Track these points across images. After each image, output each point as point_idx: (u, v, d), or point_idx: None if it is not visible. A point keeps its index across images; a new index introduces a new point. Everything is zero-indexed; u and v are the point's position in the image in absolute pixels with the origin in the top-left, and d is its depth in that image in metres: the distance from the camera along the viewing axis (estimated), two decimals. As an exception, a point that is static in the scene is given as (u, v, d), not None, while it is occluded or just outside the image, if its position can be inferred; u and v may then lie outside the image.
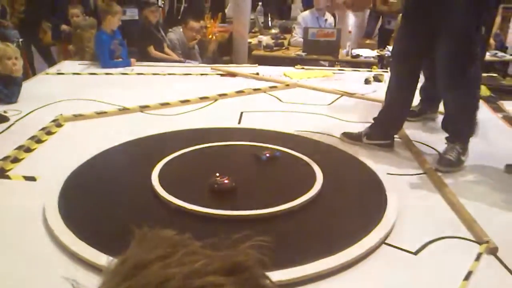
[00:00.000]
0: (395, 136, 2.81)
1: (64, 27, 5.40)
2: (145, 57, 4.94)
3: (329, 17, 5.77)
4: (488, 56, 4.58)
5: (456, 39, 2.39)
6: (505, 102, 3.62)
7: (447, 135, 2.63)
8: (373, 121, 2.82)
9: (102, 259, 1.64)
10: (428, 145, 2.80)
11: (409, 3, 2.65)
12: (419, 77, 2.75)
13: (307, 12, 5.82)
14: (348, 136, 2.84)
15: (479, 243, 1.83)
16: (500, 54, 5.26)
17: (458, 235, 1.91)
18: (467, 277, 1.62)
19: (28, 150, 2.63)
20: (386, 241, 1.84)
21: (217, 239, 0.57)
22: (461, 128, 2.59)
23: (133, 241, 0.59)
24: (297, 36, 5.79)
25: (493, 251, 1.78)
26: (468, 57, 2.43)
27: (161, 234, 0.60)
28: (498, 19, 5.48)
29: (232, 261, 0.53)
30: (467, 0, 2.32)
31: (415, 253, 1.79)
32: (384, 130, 2.77)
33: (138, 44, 5.15)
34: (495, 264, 1.73)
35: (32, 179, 2.31)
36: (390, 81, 2.76)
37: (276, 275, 1.57)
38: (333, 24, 5.77)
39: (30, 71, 5.07)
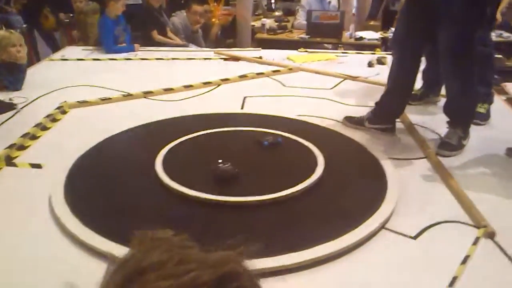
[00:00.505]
0: (397, 120, 2.83)
1: (61, 15, 5.39)
2: (148, 42, 4.93)
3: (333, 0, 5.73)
4: (493, 37, 4.54)
5: (457, 26, 2.37)
6: (508, 84, 3.61)
7: (448, 119, 2.64)
8: (375, 106, 2.83)
9: (107, 245, 1.69)
10: (430, 129, 2.81)
11: None
12: (421, 60, 2.75)
13: None
14: (350, 120, 2.86)
15: (477, 227, 1.86)
16: (505, 34, 5.23)
17: (457, 220, 1.93)
18: (464, 261, 1.66)
19: (34, 137, 2.66)
20: (385, 226, 1.87)
21: (212, 246, 0.61)
22: (462, 113, 2.59)
23: (133, 242, 0.63)
24: (300, 19, 5.76)
25: (490, 235, 1.80)
26: (470, 44, 2.42)
27: (159, 235, 0.63)
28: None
29: (222, 271, 0.57)
30: None
31: (414, 238, 1.82)
32: (386, 115, 2.78)
33: (141, 28, 5.14)
34: (492, 248, 1.76)
35: (38, 166, 2.35)
36: (392, 65, 2.77)
37: (278, 260, 1.62)
38: (337, 6, 5.73)
39: (34, 57, 5.09)
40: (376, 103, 2.83)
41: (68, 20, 5.42)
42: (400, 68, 2.69)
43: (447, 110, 2.66)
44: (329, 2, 5.61)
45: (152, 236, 0.64)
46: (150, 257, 0.58)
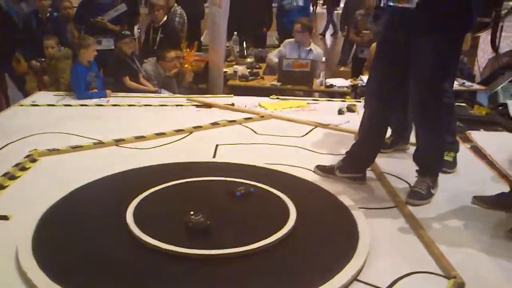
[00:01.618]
0: (367, 168, 2.88)
1: (33, 62, 5.39)
2: (120, 88, 4.95)
3: (314, 47, 5.82)
4: (456, 86, 4.71)
5: (423, 82, 2.47)
6: (472, 132, 3.73)
7: (417, 167, 2.70)
8: (345, 154, 2.89)
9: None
10: (399, 178, 2.87)
11: (383, 35, 2.73)
12: (392, 110, 2.83)
13: (291, 40, 5.88)
14: (321, 169, 2.89)
15: (447, 277, 1.89)
16: (467, 83, 5.42)
17: (428, 270, 1.96)
18: (435, 314, 1.67)
19: (1, 187, 2.62)
20: (358, 278, 1.88)
21: None
22: (431, 162, 2.66)
23: None
24: (272, 56, 5.87)
25: (460, 286, 1.83)
26: (438, 95, 2.50)
27: None
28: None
29: None
30: (434, 42, 2.38)
31: (386, 290, 1.83)
32: (356, 164, 2.83)
33: (113, 74, 5.16)
34: (462, 300, 1.78)
35: (5, 218, 2.30)
36: (364, 116, 2.83)
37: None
38: (319, 55, 5.79)
39: (3, 102, 5.03)
40: (347, 152, 2.88)
41: (39, 65, 5.40)
42: (372, 119, 2.76)
43: (416, 158, 2.73)
44: (310, 50, 5.71)
45: None
46: None
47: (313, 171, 2.90)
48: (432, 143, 2.63)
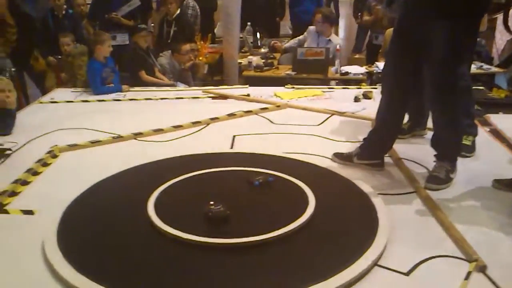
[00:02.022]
0: (385, 155, 2.87)
1: (50, 58, 5.46)
2: (136, 82, 4.99)
3: (333, 37, 5.78)
4: (473, 69, 4.66)
5: (438, 67, 2.45)
6: (491, 115, 3.69)
7: (435, 152, 2.69)
8: (363, 141, 2.88)
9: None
10: (418, 163, 2.86)
11: (398, 20, 2.71)
12: (409, 96, 2.81)
13: (313, 27, 5.85)
14: (339, 157, 2.90)
15: (469, 261, 1.88)
16: (485, 66, 5.35)
17: (448, 254, 1.96)
18: (457, 296, 1.68)
19: (25, 183, 2.66)
20: (378, 263, 1.89)
21: None
22: (449, 147, 2.65)
23: None
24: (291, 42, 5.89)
25: (482, 268, 1.83)
26: (453, 79, 2.48)
27: None
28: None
29: None
30: (449, 27, 2.36)
31: (407, 274, 1.84)
32: (374, 150, 2.83)
33: (129, 69, 5.21)
34: (484, 282, 1.78)
35: (30, 212, 2.34)
36: (381, 102, 2.81)
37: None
38: (338, 45, 5.76)
39: (23, 100, 5.11)
40: (365, 139, 2.88)
41: (56, 61, 5.48)
42: (389, 105, 2.75)
43: (434, 143, 2.71)
44: (329, 40, 5.69)
45: None
46: None
47: (331, 159, 2.91)
48: (449, 127, 2.61)
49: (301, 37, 5.90)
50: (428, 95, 2.64)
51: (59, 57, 5.44)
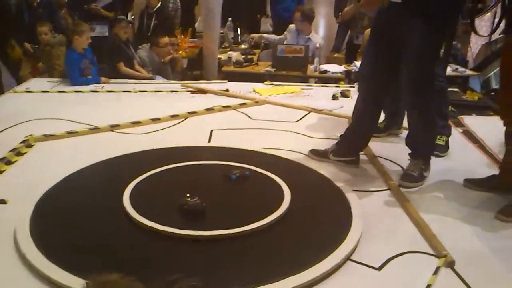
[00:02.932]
0: (361, 152, 2.91)
1: (26, 45, 5.38)
2: (115, 74, 4.95)
3: (314, 38, 5.82)
4: (448, 71, 4.74)
5: (413, 65, 2.49)
6: (465, 117, 3.77)
7: (410, 151, 2.74)
8: (339, 138, 2.92)
9: (74, 281, 1.68)
10: (392, 161, 2.90)
11: (374, 19, 2.75)
12: (385, 95, 2.85)
13: (293, 26, 5.89)
14: (315, 153, 2.93)
15: (438, 256, 1.93)
16: (460, 69, 5.45)
17: (419, 250, 2.00)
18: (426, 291, 1.72)
19: (-2, 172, 2.63)
20: (351, 258, 1.92)
21: (154, 282, 0.65)
22: (423, 145, 2.70)
23: (87, 285, 0.67)
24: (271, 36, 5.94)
25: (450, 264, 1.88)
26: (429, 77, 2.54)
27: (108, 278, 0.67)
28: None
29: None
30: (423, 25, 2.41)
31: (379, 269, 1.87)
32: (350, 147, 2.86)
33: (107, 60, 5.16)
34: (452, 277, 1.83)
35: (3, 202, 2.31)
36: (357, 100, 2.85)
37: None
38: (320, 44, 5.81)
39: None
40: (341, 136, 2.91)
41: (32, 51, 5.39)
42: (365, 103, 2.78)
43: (409, 142, 2.76)
44: (309, 39, 5.72)
45: (102, 279, 0.68)
46: None
47: (307, 155, 2.94)
48: (423, 126, 2.66)
49: (281, 36, 5.92)
50: (403, 92, 2.68)
51: (36, 46, 5.36)
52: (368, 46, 2.83)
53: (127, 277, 0.68)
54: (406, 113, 2.82)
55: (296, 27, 5.73)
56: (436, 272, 1.83)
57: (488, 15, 2.68)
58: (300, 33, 5.71)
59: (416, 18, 2.41)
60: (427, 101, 2.59)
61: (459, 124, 3.59)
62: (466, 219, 2.27)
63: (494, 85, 5.49)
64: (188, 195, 2.17)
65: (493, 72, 5.80)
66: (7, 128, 3.30)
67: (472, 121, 3.68)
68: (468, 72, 5.64)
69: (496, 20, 2.51)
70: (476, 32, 2.55)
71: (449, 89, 3.87)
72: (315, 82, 5.36)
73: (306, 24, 5.71)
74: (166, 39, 5.46)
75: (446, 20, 2.50)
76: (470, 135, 3.38)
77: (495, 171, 2.68)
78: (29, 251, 1.87)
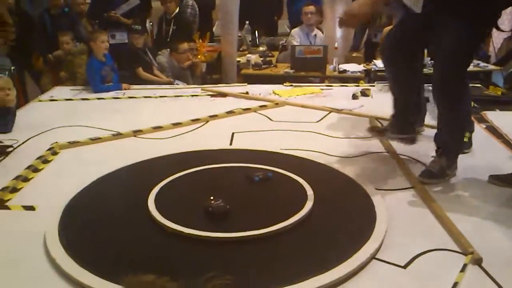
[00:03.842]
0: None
1: (49, 56, 5.48)
2: (135, 80, 5.01)
3: (317, 32, 5.87)
4: (471, 67, 4.68)
5: (447, 63, 2.45)
6: (488, 112, 3.72)
7: (437, 148, 2.71)
8: (391, 118, 2.96)
9: (104, 285, 1.71)
10: (415, 159, 2.89)
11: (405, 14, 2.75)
12: (416, 64, 2.83)
13: (297, 29, 5.93)
14: (375, 131, 3.11)
15: (465, 254, 1.91)
16: (482, 64, 5.39)
17: (445, 247, 1.99)
18: (453, 288, 1.71)
19: (26, 179, 2.69)
20: (376, 256, 1.92)
21: (190, 280, 0.67)
22: (449, 143, 2.67)
23: (121, 286, 0.68)
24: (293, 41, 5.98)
25: (477, 261, 1.86)
26: (457, 80, 2.50)
27: (143, 278, 0.69)
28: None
29: None
30: (461, 27, 2.36)
31: (404, 267, 1.87)
32: (401, 125, 2.90)
33: (127, 67, 5.23)
34: (480, 274, 1.81)
35: (32, 208, 2.37)
36: (388, 77, 2.90)
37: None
38: (323, 39, 5.85)
39: (23, 98, 5.13)
40: (391, 116, 2.95)
41: (55, 60, 5.49)
42: (395, 75, 2.82)
43: (436, 138, 2.73)
44: (315, 35, 5.75)
45: (138, 279, 0.70)
46: None
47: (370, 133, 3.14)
48: (449, 125, 2.63)
49: (291, 40, 5.93)
50: (434, 89, 2.61)
51: (57, 55, 5.45)
52: (401, 20, 2.83)
53: (161, 277, 0.70)
54: (436, 109, 2.76)
55: (311, 22, 5.75)
56: (463, 269, 1.81)
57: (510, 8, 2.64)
58: (308, 32, 5.72)
59: (455, 19, 2.36)
60: (456, 100, 2.56)
61: (482, 120, 3.55)
62: (492, 216, 2.25)
63: (518, 79, 5.40)
64: (212, 197, 2.19)
65: (516, 66, 5.71)
66: (33, 137, 3.37)
67: (495, 116, 3.63)
68: (490, 67, 5.57)
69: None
70: (497, 28, 2.51)
71: (472, 84, 3.84)
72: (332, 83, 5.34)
73: (318, 17, 5.76)
74: (185, 45, 5.50)
75: (484, 23, 2.45)
76: (494, 131, 3.35)
77: (520, 166, 2.65)
78: (59, 257, 1.91)
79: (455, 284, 1.73)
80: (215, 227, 2.07)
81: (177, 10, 6.09)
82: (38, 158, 2.94)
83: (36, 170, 2.81)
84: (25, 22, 5.30)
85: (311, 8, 5.71)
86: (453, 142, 2.68)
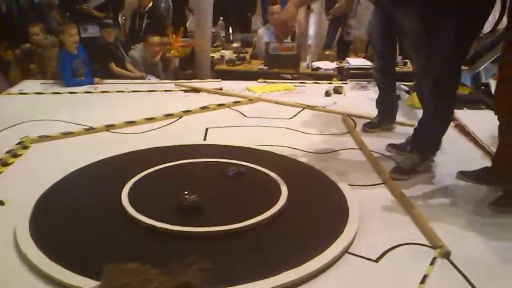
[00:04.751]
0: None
1: (16, 51, 5.36)
2: (107, 75, 4.95)
3: None
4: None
5: (441, 64, 2.43)
6: (456, 111, 3.80)
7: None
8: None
9: (76, 280, 1.70)
10: (386, 155, 2.94)
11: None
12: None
13: (263, 29, 5.96)
14: (367, 125, 3.31)
15: (434, 248, 1.97)
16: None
17: (415, 241, 2.04)
18: (423, 281, 1.75)
19: (-5, 173, 2.63)
20: (348, 250, 1.95)
21: (170, 266, 0.68)
22: (428, 143, 2.72)
23: (102, 274, 0.68)
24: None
25: (446, 255, 1.91)
26: (451, 82, 2.53)
27: (125, 266, 0.69)
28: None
29: (180, 281, 0.64)
30: (457, 28, 2.34)
31: (376, 261, 1.91)
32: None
33: (99, 61, 5.16)
34: (448, 267, 1.86)
35: (1, 203, 2.32)
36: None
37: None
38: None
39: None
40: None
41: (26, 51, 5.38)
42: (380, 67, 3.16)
43: (414, 135, 2.80)
44: None
45: (120, 267, 0.70)
46: (117, 281, 0.65)
47: (363, 130, 3.32)
48: (435, 126, 2.67)
49: (259, 39, 5.94)
50: (426, 92, 2.62)
51: (25, 47, 5.33)
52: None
53: (143, 265, 0.70)
54: (422, 105, 2.79)
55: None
56: (432, 262, 1.86)
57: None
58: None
59: (452, 19, 2.34)
60: (447, 102, 2.59)
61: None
62: (460, 210, 2.31)
63: (484, 79, 5.53)
64: (186, 192, 2.19)
65: (482, 66, 5.85)
66: (2, 130, 3.30)
67: (463, 115, 3.71)
68: (462, 67, 5.67)
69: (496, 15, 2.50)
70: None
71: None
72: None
73: None
74: (155, 39, 5.45)
75: (479, 21, 2.43)
76: (462, 129, 3.43)
77: (487, 163, 2.72)
78: (30, 251, 1.88)
79: (425, 276, 1.77)
80: (189, 221, 2.06)
81: (150, 4, 6.04)
82: (7, 152, 2.88)
83: (5, 164, 2.76)
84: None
85: (277, 7, 5.74)
86: (432, 143, 2.72)
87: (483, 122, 3.53)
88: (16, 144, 3.00)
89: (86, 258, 1.86)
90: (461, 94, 4.37)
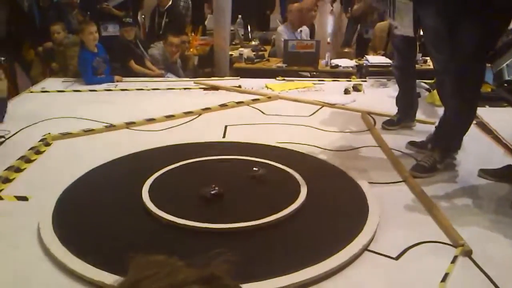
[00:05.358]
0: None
1: (39, 49, 5.44)
2: (127, 73, 4.99)
3: (303, 28, 5.87)
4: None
5: (466, 61, 2.42)
6: (479, 109, 3.74)
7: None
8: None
9: (98, 275, 1.73)
10: (406, 153, 2.92)
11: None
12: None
13: (281, 27, 5.94)
14: (387, 123, 3.31)
15: (455, 246, 1.95)
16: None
17: (436, 240, 2.02)
18: (444, 279, 1.74)
19: (18, 170, 2.68)
20: (368, 248, 1.95)
21: (195, 258, 0.69)
22: (450, 140, 2.70)
23: (130, 265, 0.70)
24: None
25: (467, 253, 1.90)
26: (474, 79, 2.52)
27: (152, 258, 0.70)
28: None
29: (207, 273, 0.65)
30: (482, 26, 2.32)
31: (396, 258, 1.90)
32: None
33: (119, 59, 5.20)
34: (469, 265, 1.85)
35: (24, 199, 2.36)
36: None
37: (264, 285, 1.67)
38: (309, 34, 5.86)
39: (14, 89, 5.08)
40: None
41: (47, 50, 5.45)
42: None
43: (436, 132, 2.78)
44: (300, 31, 5.76)
45: (147, 259, 0.71)
46: (145, 272, 0.66)
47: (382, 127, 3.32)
48: (456, 123, 2.65)
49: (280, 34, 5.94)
50: (449, 89, 2.60)
51: (47, 46, 5.40)
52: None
53: (171, 257, 0.71)
54: (445, 102, 2.78)
55: (291, 19, 5.77)
56: (453, 261, 1.85)
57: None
58: (294, 28, 5.73)
59: (476, 19, 2.32)
60: (470, 101, 2.57)
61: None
62: (481, 209, 2.29)
63: (507, 76, 5.45)
64: (213, 185, 2.23)
65: (505, 63, 5.76)
66: (25, 128, 3.35)
67: (485, 112, 3.66)
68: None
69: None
70: None
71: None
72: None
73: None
74: (175, 40, 5.47)
75: (503, 20, 2.43)
76: (483, 126, 3.39)
77: (509, 160, 2.69)
78: (52, 245, 1.92)
79: (446, 275, 1.76)
80: (209, 218, 2.08)
81: (170, 3, 6.06)
82: (30, 149, 2.93)
83: (28, 160, 2.81)
84: (15, 13, 5.25)
85: (296, 5, 5.72)
86: (454, 139, 2.71)
87: (505, 119, 3.50)
88: (39, 141, 3.05)
89: (109, 253, 1.89)
90: (483, 92, 4.31)
